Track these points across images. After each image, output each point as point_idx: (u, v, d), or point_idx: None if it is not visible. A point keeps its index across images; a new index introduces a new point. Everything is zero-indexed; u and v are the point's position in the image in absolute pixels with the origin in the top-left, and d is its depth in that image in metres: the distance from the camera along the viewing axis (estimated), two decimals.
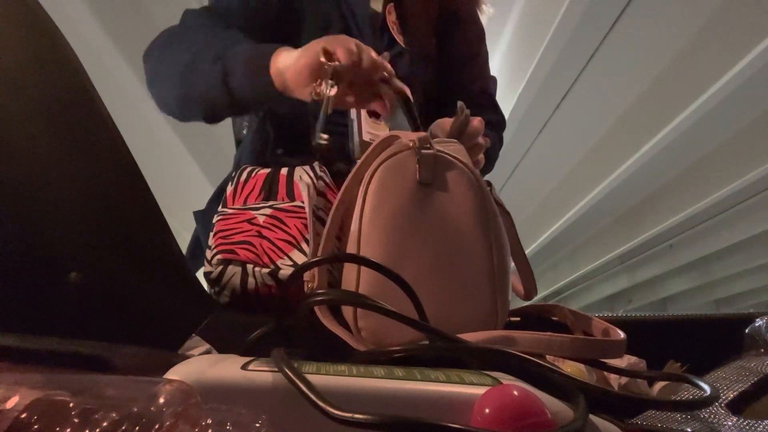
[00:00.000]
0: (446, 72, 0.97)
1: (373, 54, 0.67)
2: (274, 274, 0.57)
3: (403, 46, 0.92)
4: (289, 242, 0.59)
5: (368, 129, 0.81)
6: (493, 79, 1.06)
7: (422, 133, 0.55)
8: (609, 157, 3.15)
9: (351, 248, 0.50)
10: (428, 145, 0.51)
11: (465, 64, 0.99)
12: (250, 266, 0.57)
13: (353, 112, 0.82)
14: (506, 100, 2.74)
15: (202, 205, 0.91)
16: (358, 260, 0.47)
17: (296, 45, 0.73)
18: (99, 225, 0.39)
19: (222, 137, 3.07)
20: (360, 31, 0.89)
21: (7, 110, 0.36)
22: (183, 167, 3.14)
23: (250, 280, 0.57)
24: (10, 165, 0.35)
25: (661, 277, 4.81)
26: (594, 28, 2.22)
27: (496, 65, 2.62)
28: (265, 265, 0.57)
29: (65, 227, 0.37)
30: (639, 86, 2.54)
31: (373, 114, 0.83)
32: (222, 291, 0.58)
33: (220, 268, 0.58)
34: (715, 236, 3.87)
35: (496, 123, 0.99)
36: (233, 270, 0.57)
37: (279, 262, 0.58)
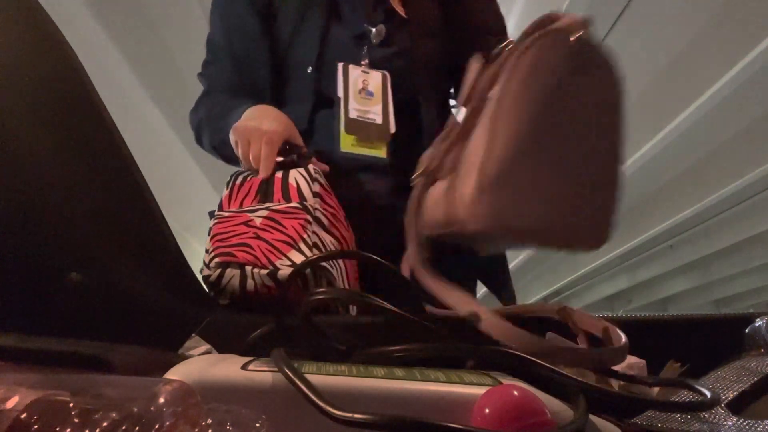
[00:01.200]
0: (458, 43, 0.92)
1: (264, 146, 0.71)
2: (273, 275, 0.57)
3: (405, 16, 0.89)
4: (287, 243, 0.59)
5: (356, 106, 0.81)
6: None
7: (583, 17, 0.51)
8: None
9: (485, 115, 0.46)
10: (587, 31, 0.48)
11: (477, 32, 0.93)
12: (248, 268, 0.57)
13: (341, 89, 0.82)
14: None
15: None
16: (358, 256, 0.47)
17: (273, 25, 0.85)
18: (99, 225, 0.39)
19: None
20: (351, 3, 0.88)
21: (7, 110, 0.36)
22: (183, 167, 3.14)
23: (249, 281, 0.57)
24: (9, 165, 0.35)
25: (661, 277, 4.81)
26: (594, 28, 2.22)
27: None
28: (263, 266, 0.57)
29: (65, 227, 0.37)
30: (639, 86, 2.54)
31: (363, 90, 0.83)
32: (221, 294, 0.58)
33: (219, 270, 0.57)
34: (715, 236, 3.87)
35: None
36: (232, 272, 0.57)
37: (278, 263, 0.57)
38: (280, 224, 0.61)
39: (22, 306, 0.35)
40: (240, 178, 0.69)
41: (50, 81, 0.38)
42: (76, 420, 0.18)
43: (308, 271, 0.57)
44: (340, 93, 0.81)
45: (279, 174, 0.68)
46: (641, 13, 2.12)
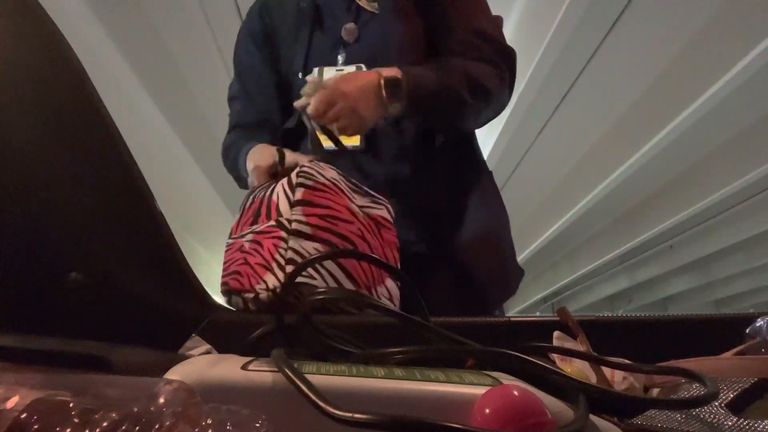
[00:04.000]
0: (434, 23, 0.95)
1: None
2: (256, 299, 0.60)
3: (371, 11, 0.94)
4: (263, 265, 0.61)
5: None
6: (495, 19, 1.01)
7: None
8: (609, 157, 3.15)
9: None
10: None
11: (451, 6, 0.95)
12: (243, 294, 0.61)
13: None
14: None
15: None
16: (357, 255, 0.47)
17: (277, 53, 0.99)
18: (99, 225, 0.39)
19: (222, 138, 3.07)
20: (332, 12, 0.95)
21: (9, 112, 0.36)
22: (183, 168, 3.14)
23: (249, 305, 0.61)
24: (11, 165, 0.35)
25: (661, 277, 4.82)
26: (594, 28, 2.22)
27: None
28: (248, 291, 0.60)
29: (65, 227, 0.37)
30: (639, 86, 2.55)
31: None
32: None
33: (227, 298, 0.62)
34: (715, 236, 3.87)
35: (490, 58, 0.95)
36: (236, 300, 0.61)
37: (257, 288, 0.60)
38: (261, 245, 0.63)
39: (22, 306, 0.35)
40: (249, 199, 0.72)
41: (50, 81, 0.38)
42: (76, 420, 0.18)
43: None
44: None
45: (269, 191, 0.68)
46: (641, 13, 2.12)
